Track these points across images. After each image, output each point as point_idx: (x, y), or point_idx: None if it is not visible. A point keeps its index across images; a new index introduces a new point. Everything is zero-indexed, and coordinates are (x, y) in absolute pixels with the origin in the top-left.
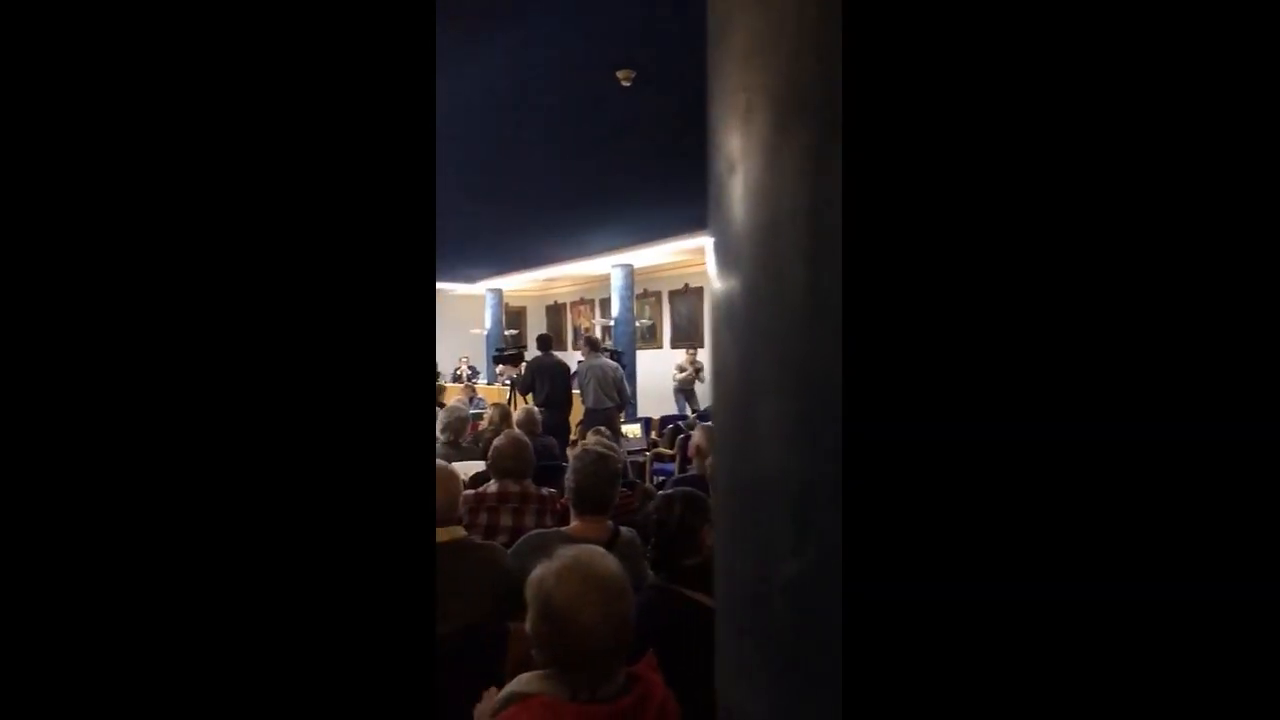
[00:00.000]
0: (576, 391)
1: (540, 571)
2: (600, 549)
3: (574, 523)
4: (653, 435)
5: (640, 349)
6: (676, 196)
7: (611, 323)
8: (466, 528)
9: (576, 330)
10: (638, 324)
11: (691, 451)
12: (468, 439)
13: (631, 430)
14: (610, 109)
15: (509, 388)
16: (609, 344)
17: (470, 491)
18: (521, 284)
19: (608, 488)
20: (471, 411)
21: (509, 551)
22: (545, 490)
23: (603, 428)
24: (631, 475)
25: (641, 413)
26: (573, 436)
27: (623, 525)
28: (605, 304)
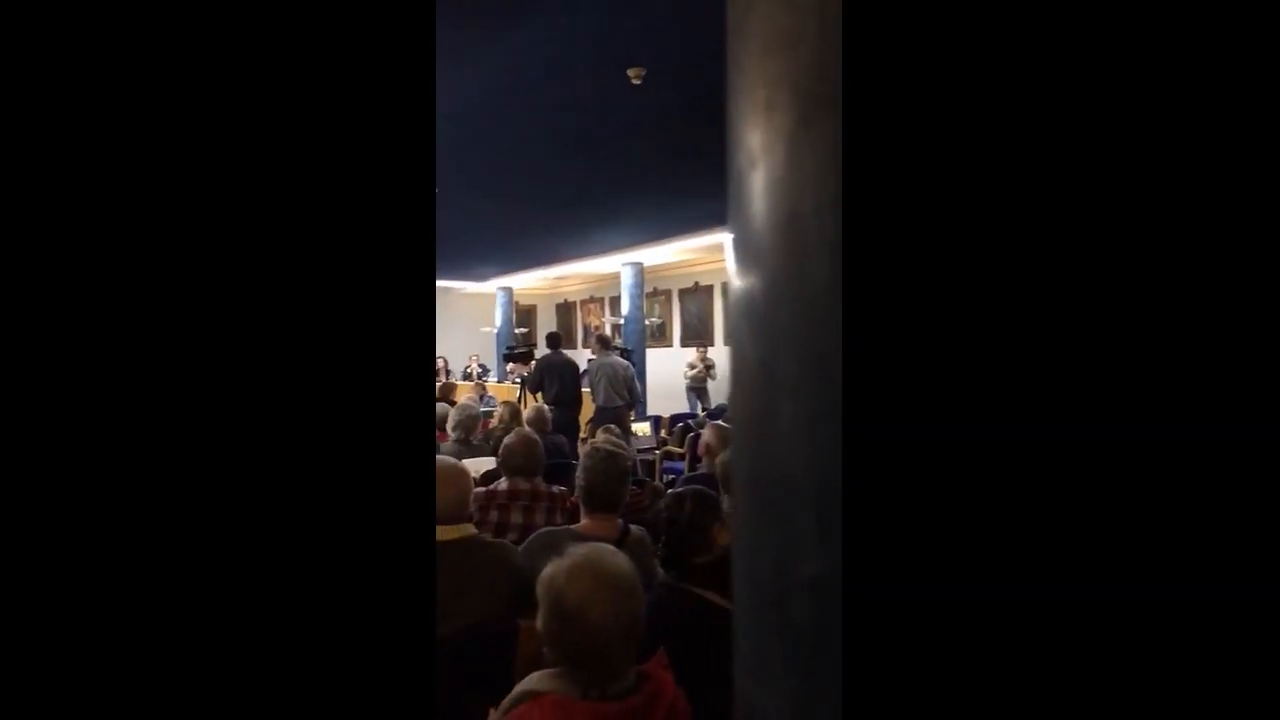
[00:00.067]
0: (586, 390)
1: (551, 570)
2: (610, 547)
3: (584, 521)
4: (662, 433)
5: (650, 347)
6: (687, 194)
7: (621, 321)
8: (477, 525)
9: (586, 328)
10: (647, 322)
11: (701, 450)
12: (478, 437)
13: (641, 428)
14: (621, 107)
15: (519, 386)
16: (619, 342)
17: (480, 489)
18: (532, 282)
19: (618, 486)
20: (482, 409)
21: (519, 549)
22: (555, 488)
23: (612, 426)
24: (641, 473)
25: (651, 411)
26: (582, 435)
27: (632, 523)
28: (615, 302)
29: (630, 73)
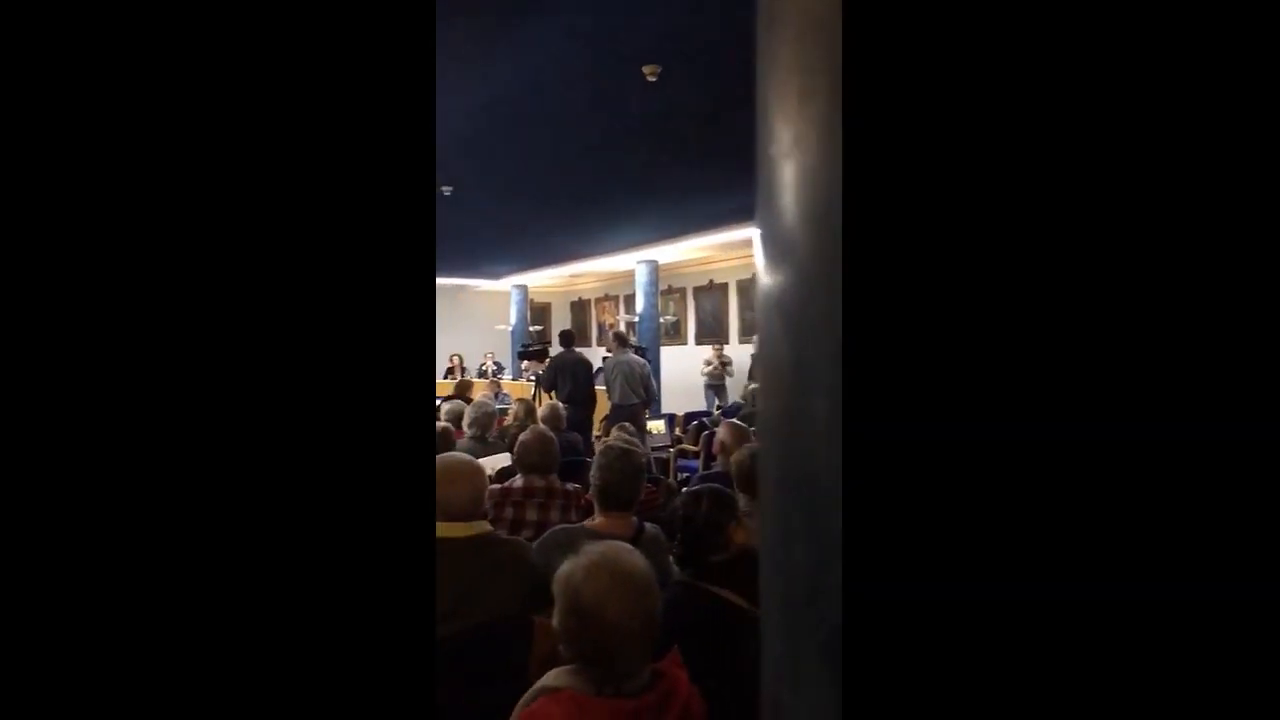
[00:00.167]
0: (601, 388)
1: (568, 567)
2: (626, 545)
3: (598, 518)
4: (677, 431)
5: (664, 345)
6: (702, 191)
7: (636, 319)
8: (492, 522)
9: (601, 326)
10: (662, 320)
11: (716, 448)
12: (494, 434)
13: (656, 426)
14: (636, 104)
15: (533, 383)
16: (634, 340)
17: (496, 486)
18: (546, 280)
19: (633, 483)
20: (497, 407)
21: (534, 546)
22: (570, 485)
23: (627, 423)
24: (656, 471)
25: (666, 409)
26: (596, 433)
27: (647, 521)
28: (630, 300)
29: (646, 69)
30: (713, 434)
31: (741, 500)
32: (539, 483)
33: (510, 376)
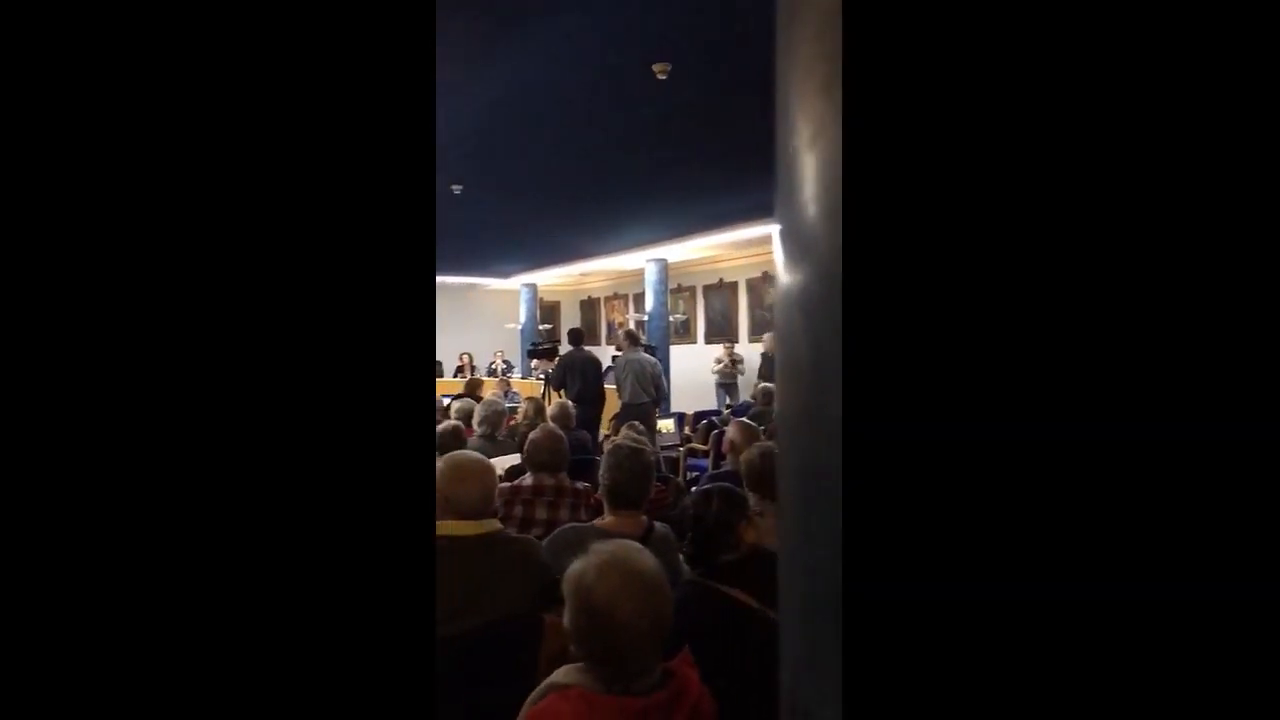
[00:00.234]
0: (610, 386)
1: (580, 566)
2: (637, 544)
3: (608, 517)
4: (686, 430)
5: (674, 344)
6: (712, 190)
7: (645, 317)
8: (501, 520)
9: (610, 325)
10: (671, 319)
11: (725, 447)
12: (503, 433)
13: (665, 425)
14: (645, 102)
15: (543, 382)
16: (643, 339)
17: (505, 484)
18: (555, 279)
19: (642, 482)
20: (507, 405)
21: (543, 544)
22: (579, 484)
23: (636, 422)
24: (665, 470)
25: (675, 408)
26: (605, 432)
27: (656, 520)
28: (639, 299)
29: (655, 68)
30: (722, 433)
31: (752, 499)
32: (548, 481)
33: (520, 375)
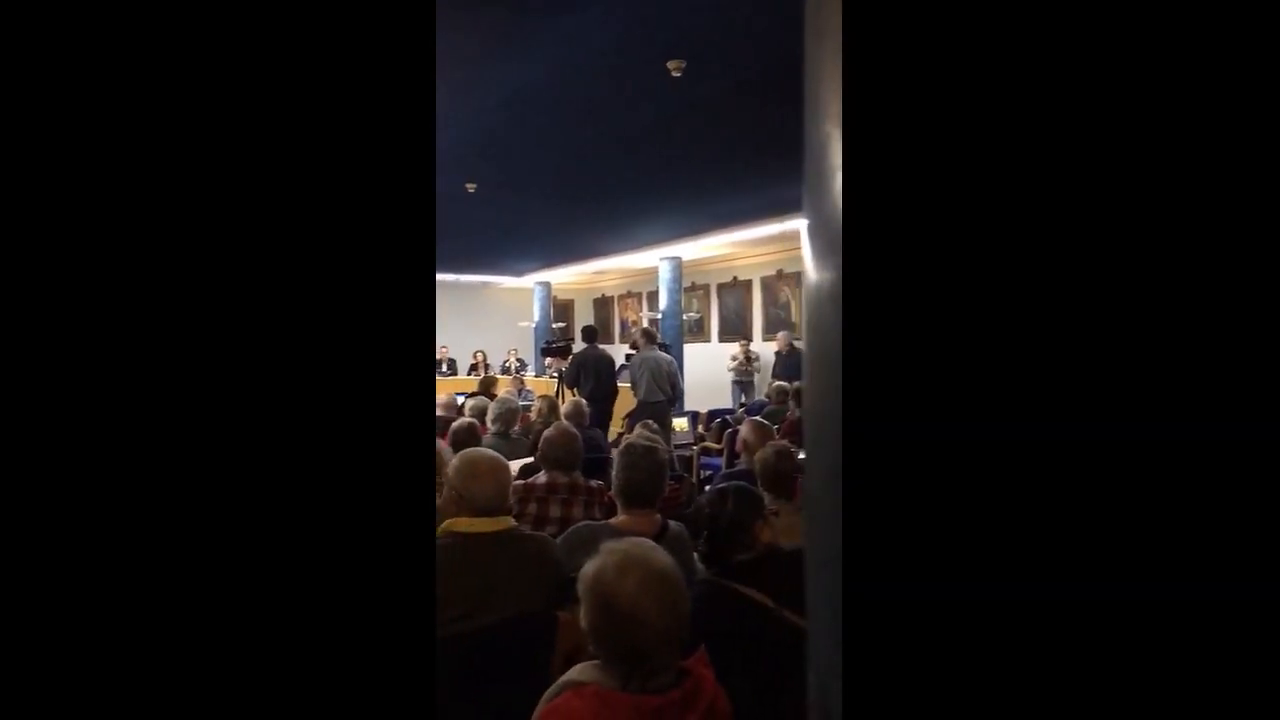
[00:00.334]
0: (624, 385)
1: (598, 565)
2: (650, 542)
3: (621, 516)
4: (700, 429)
5: (687, 342)
6: (726, 188)
7: (659, 315)
8: (515, 518)
9: (624, 323)
10: (685, 317)
11: (739, 446)
12: (517, 430)
13: (679, 424)
14: (660, 100)
15: (557, 380)
16: (659, 337)
17: (519, 482)
18: (569, 277)
19: (656, 481)
20: (520, 403)
21: (557, 542)
22: (593, 482)
23: (650, 421)
24: (679, 469)
25: (689, 406)
26: (620, 430)
27: (670, 519)
28: (653, 297)
29: (670, 65)
30: (736, 431)
31: (767, 499)
32: (562, 479)
33: (533, 373)
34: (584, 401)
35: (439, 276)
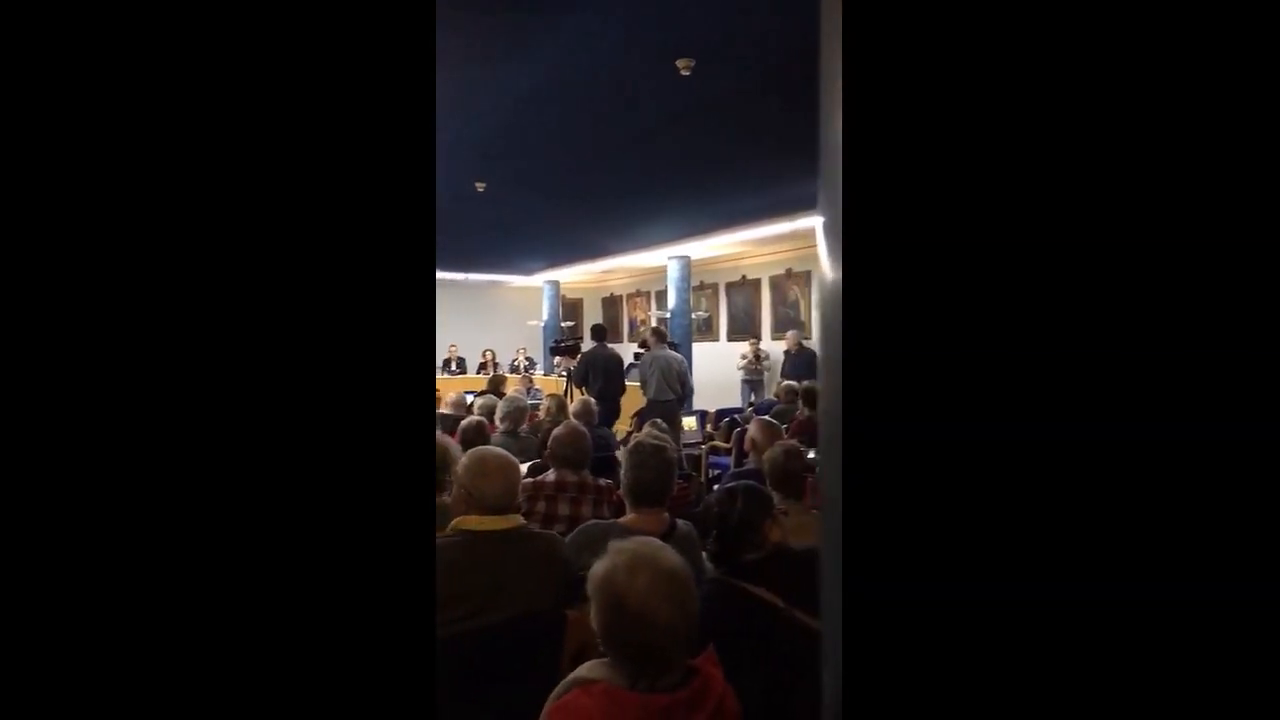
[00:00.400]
0: (634, 384)
1: (608, 564)
2: (659, 541)
3: (630, 515)
4: (708, 428)
5: (696, 342)
6: (735, 187)
7: (668, 315)
8: (524, 516)
9: (632, 322)
10: (694, 316)
11: (747, 445)
12: (525, 429)
13: (688, 423)
14: (669, 98)
15: (565, 379)
16: (669, 336)
17: (528, 480)
18: (578, 276)
19: (664, 480)
20: (529, 402)
21: (566, 541)
22: (602, 481)
23: (659, 419)
24: (687, 468)
25: (698, 405)
26: (627, 429)
27: (678, 518)
28: (661, 296)
29: (679, 63)
30: (744, 430)
31: (775, 498)
32: (571, 478)
33: (542, 371)
34: (592, 400)
35: (448, 276)
